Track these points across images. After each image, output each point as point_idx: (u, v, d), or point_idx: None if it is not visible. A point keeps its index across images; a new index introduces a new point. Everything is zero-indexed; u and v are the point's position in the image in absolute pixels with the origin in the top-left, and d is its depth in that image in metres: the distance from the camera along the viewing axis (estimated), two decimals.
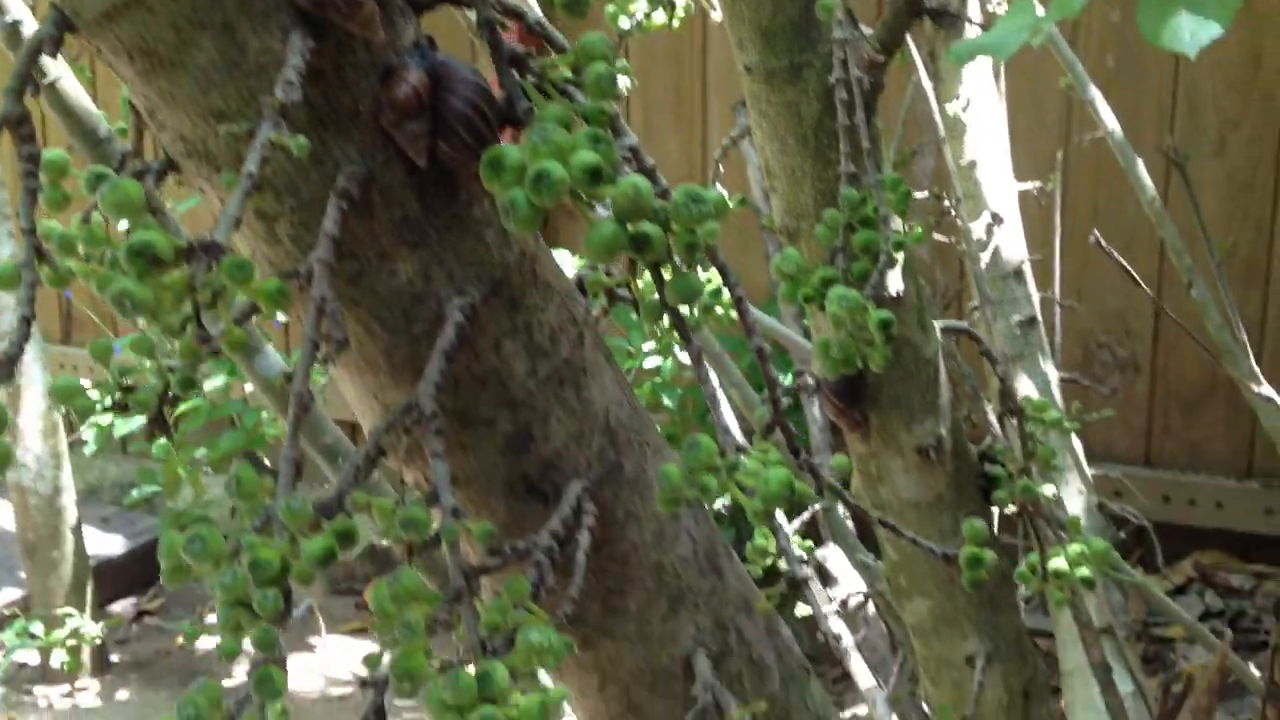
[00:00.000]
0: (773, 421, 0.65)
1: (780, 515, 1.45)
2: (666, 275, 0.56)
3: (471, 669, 0.48)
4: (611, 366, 0.62)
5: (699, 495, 0.53)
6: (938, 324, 1.12)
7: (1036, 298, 1.83)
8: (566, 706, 0.91)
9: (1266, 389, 0.92)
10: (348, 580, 2.96)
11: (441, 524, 0.51)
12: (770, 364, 0.65)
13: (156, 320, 0.42)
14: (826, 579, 1.79)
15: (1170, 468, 2.58)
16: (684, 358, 1.78)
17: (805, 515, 1.23)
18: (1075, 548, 1.10)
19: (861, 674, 1.74)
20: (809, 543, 1.23)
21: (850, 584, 1.75)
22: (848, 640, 1.77)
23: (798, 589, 0.63)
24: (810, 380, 1.12)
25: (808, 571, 0.72)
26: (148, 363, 0.48)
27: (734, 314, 1.00)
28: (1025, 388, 1.88)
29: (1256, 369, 0.98)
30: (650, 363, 2.18)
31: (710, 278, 1.14)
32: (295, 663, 2.77)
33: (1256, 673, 1.12)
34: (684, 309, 1.11)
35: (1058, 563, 1.10)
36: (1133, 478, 2.38)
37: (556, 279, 0.59)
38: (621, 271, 0.61)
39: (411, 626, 0.48)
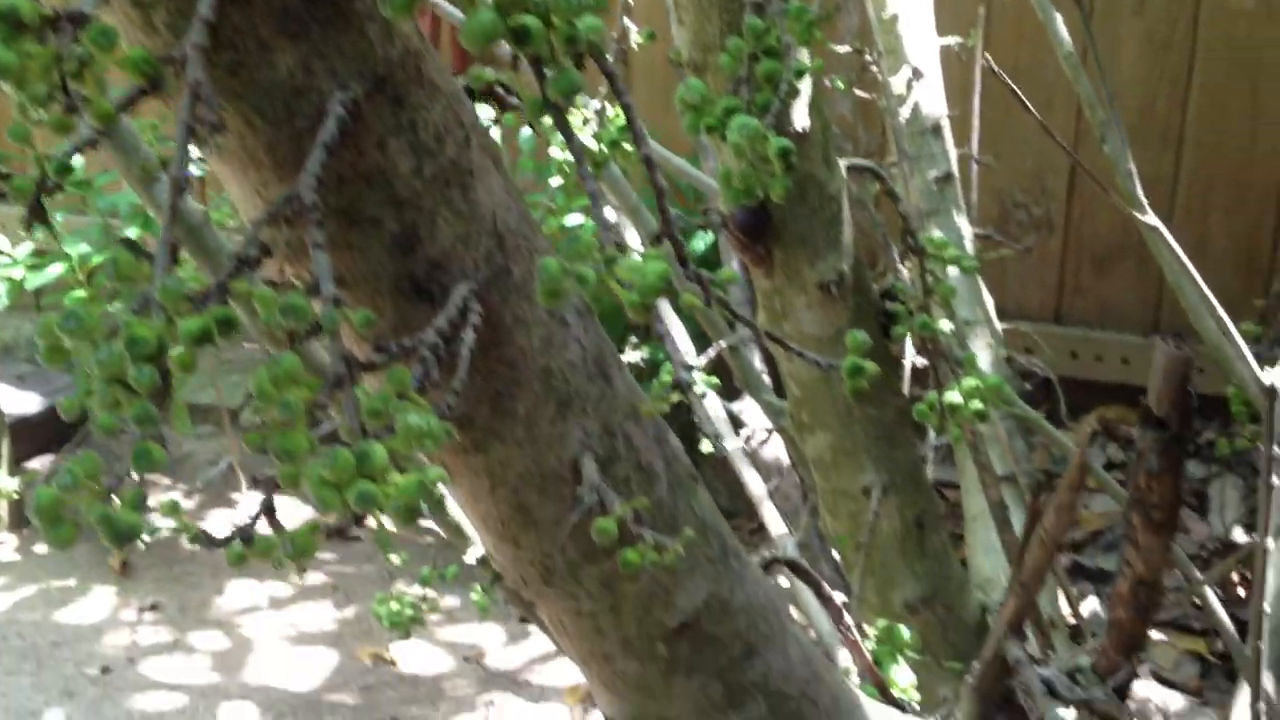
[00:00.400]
0: (661, 231, 0.66)
1: (690, 352, 1.47)
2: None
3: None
4: (500, 172, 0.63)
5: (578, 287, 0.54)
6: (842, 162, 1.13)
7: (954, 154, 1.85)
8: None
9: (1151, 218, 0.95)
10: None
11: (322, 313, 0.51)
12: (659, 172, 0.66)
13: (23, 89, 0.41)
14: (739, 428, 1.83)
15: (1080, 324, 2.64)
16: (612, 216, 1.77)
17: (711, 352, 1.25)
18: (969, 382, 1.13)
19: (773, 521, 1.79)
20: (714, 378, 1.25)
21: (758, 423, 1.79)
22: (760, 490, 1.81)
23: (684, 393, 0.64)
24: (717, 216, 1.13)
25: (694, 378, 0.73)
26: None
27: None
28: None
29: (1143, 199, 1.00)
30: (574, 220, 2.18)
31: (616, 114, 1.14)
32: (216, 518, 2.78)
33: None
34: (593, 149, 1.10)
35: (952, 397, 1.13)
36: (1043, 334, 2.43)
37: (442, 79, 0.59)
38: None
39: (290, 406, 0.49)
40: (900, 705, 0.97)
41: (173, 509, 0.62)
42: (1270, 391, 0.94)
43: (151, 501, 2.84)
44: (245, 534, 0.60)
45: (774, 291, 1.15)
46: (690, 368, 0.63)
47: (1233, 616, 1.62)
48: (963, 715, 0.85)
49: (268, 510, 0.60)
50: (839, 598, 0.95)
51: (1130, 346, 2.59)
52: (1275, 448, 0.98)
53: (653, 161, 0.65)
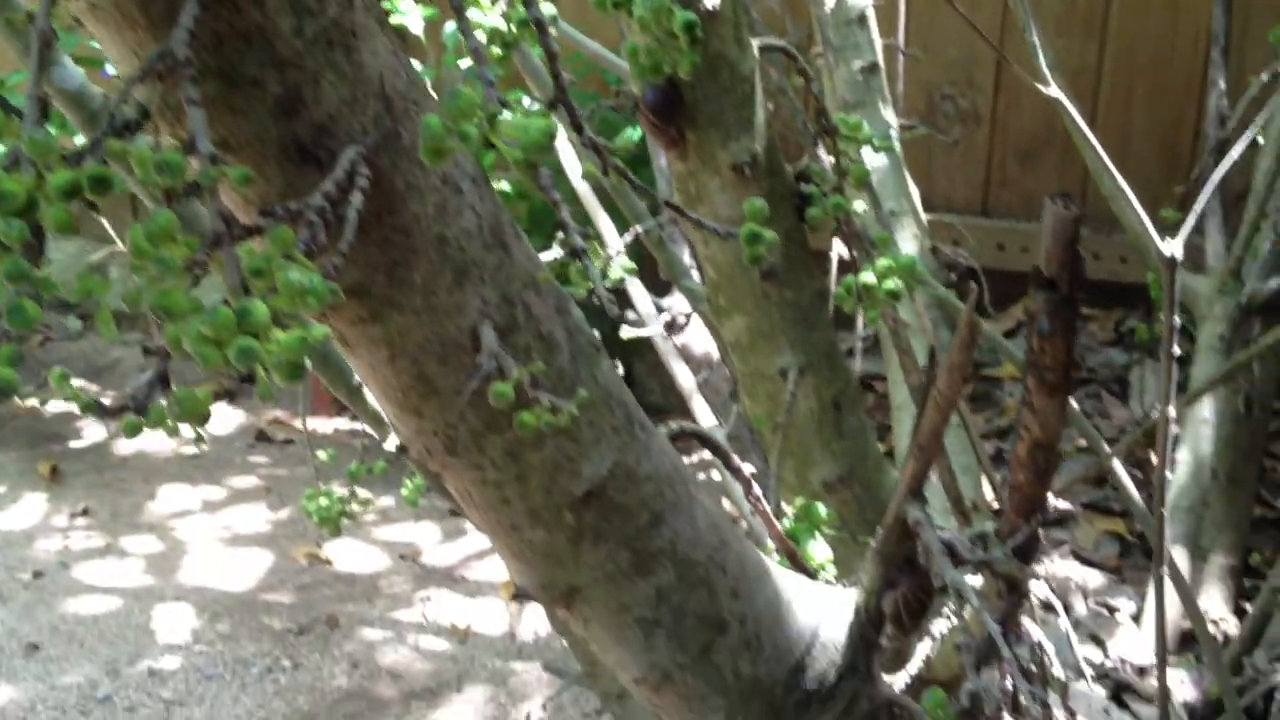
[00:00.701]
0: (555, 97, 0.66)
1: (612, 237, 1.47)
2: None
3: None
4: (385, 34, 0.62)
5: (461, 145, 0.54)
6: (755, 42, 1.13)
7: (879, 44, 1.84)
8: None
9: (1054, 90, 0.95)
10: None
11: (199, 169, 0.51)
12: (549, 37, 0.66)
13: None
14: (668, 322, 1.83)
15: (1006, 217, 2.66)
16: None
17: (629, 236, 1.25)
18: (883, 262, 1.14)
19: (703, 414, 1.81)
20: (632, 265, 1.26)
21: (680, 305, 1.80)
22: (689, 383, 1.83)
23: (578, 258, 0.64)
24: (629, 99, 1.12)
25: (585, 245, 0.72)
26: None
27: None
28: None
29: (1046, 71, 1.01)
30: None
31: None
32: None
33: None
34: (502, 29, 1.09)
35: (867, 277, 1.15)
36: (970, 226, 2.45)
37: None
38: None
39: (167, 263, 0.49)
40: (811, 574, 0.99)
41: (62, 379, 0.62)
42: (1170, 261, 0.95)
43: (76, 408, 2.81)
44: (138, 403, 0.59)
45: (688, 175, 1.15)
46: (587, 234, 0.62)
47: (1150, 499, 1.66)
48: (867, 578, 0.87)
49: (161, 380, 0.59)
50: (748, 468, 0.97)
51: None
52: (1175, 318, 1.00)
53: (543, 24, 0.64)
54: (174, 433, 0.62)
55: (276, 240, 0.53)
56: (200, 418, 0.57)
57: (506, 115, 0.55)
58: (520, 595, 0.83)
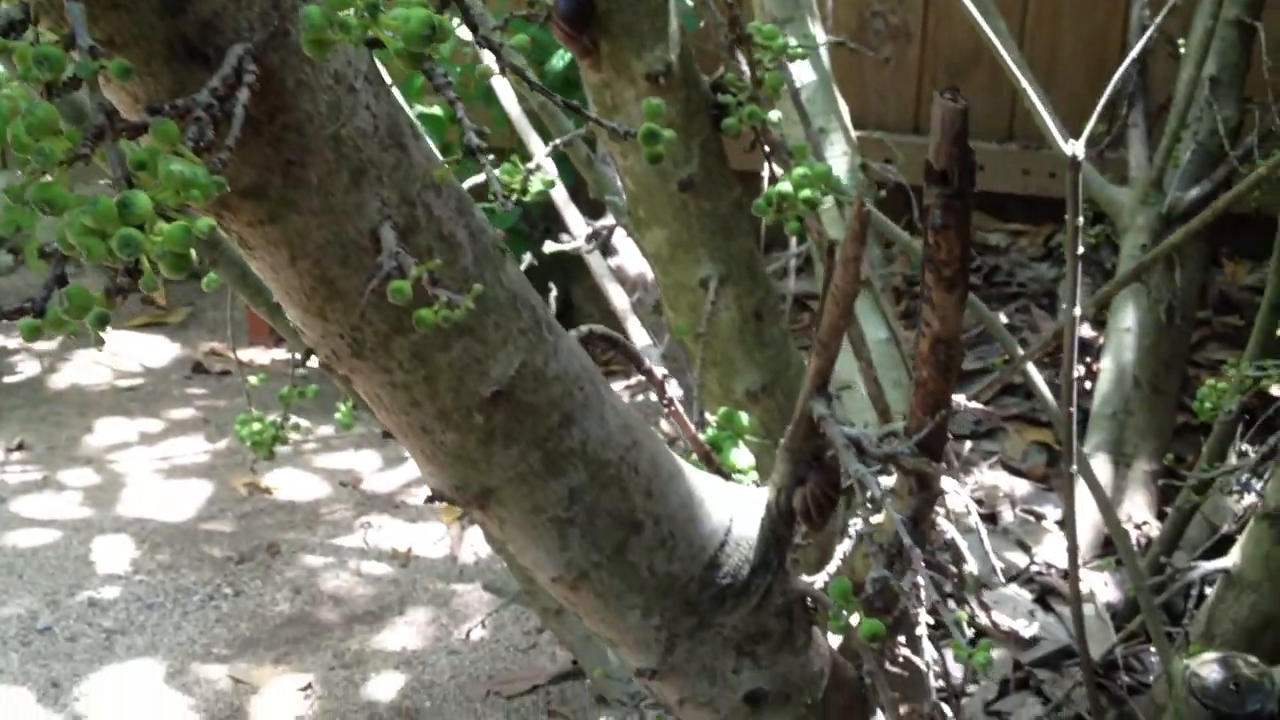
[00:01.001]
0: None
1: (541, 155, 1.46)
2: None
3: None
4: None
5: (343, 36, 0.54)
6: None
7: None
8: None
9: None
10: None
11: (78, 62, 0.51)
12: None
13: None
14: (590, 234, 1.84)
15: None
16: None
17: (550, 148, 1.26)
18: (799, 171, 1.15)
19: (638, 334, 1.82)
20: (552, 179, 1.26)
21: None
22: (624, 304, 1.84)
23: (474, 156, 0.65)
24: (545, 8, 1.12)
25: (482, 144, 0.72)
26: None
27: None
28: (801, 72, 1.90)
29: None
30: None
31: None
32: (84, 356, 2.75)
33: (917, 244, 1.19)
34: None
35: (783, 187, 1.16)
36: (901, 144, 2.47)
37: None
38: None
39: (47, 155, 0.49)
40: (725, 474, 1.01)
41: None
42: (1073, 162, 0.97)
43: (12, 343, 2.79)
44: (36, 306, 0.60)
45: (603, 85, 1.15)
46: (482, 133, 0.63)
47: (1082, 410, 1.69)
48: (777, 475, 0.89)
49: (59, 281, 0.60)
50: (660, 371, 0.98)
51: (985, 154, 2.63)
52: (1080, 219, 1.02)
53: None
54: (75, 332, 0.62)
55: (160, 134, 0.54)
56: (97, 318, 0.57)
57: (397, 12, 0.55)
58: (434, 499, 0.84)
